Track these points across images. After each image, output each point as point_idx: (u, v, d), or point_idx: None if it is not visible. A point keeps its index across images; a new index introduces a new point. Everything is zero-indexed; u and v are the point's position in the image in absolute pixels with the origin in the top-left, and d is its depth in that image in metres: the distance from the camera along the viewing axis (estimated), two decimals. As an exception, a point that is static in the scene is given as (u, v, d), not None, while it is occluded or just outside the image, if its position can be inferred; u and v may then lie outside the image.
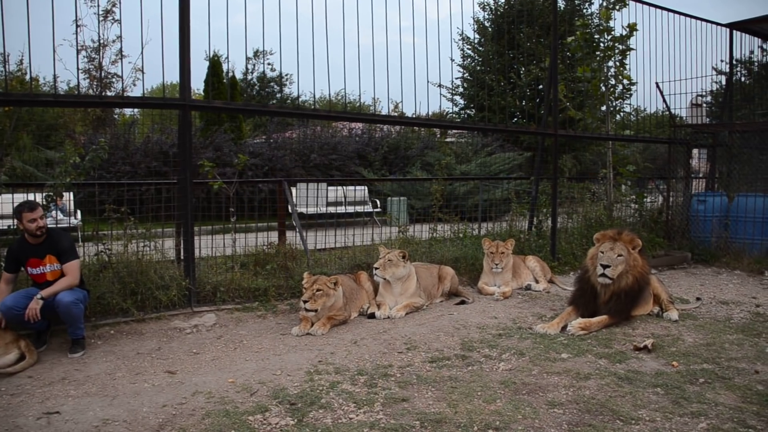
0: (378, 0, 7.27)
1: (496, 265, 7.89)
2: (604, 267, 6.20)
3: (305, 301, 6.14)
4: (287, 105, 8.19)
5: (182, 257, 6.95)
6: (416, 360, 5.29)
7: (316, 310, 6.18)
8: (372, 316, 6.76)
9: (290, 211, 9.19)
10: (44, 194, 6.46)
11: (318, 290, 6.18)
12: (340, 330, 6.29)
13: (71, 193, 9.37)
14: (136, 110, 21.91)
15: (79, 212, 10.68)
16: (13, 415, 4.28)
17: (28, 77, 17.21)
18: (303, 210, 9.52)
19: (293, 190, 9.03)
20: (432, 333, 6.15)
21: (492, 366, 5.13)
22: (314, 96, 17.03)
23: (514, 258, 8.27)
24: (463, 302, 7.45)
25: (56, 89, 7.29)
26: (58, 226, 7.61)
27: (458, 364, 5.20)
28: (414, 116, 8.42)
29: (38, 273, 5.66)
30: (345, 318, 6.52)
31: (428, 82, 8.57)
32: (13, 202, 6.02)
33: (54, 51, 6.01)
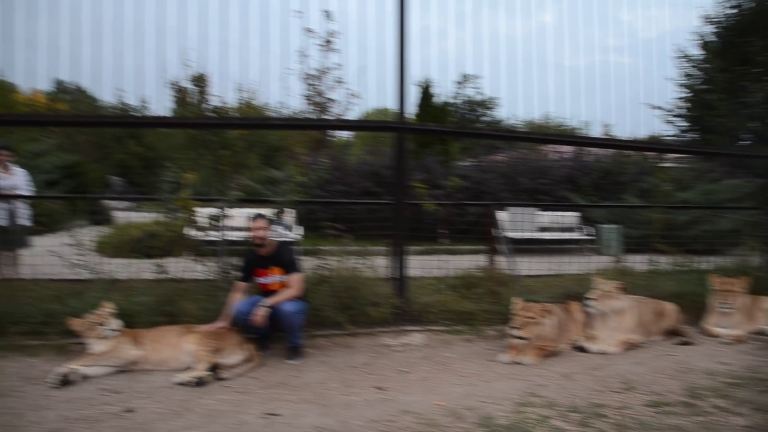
0: (587, 21, 6.96)
1: (726, 304, 7.14)
2: None
3: (516, 329, 5.98)
4: (501, 127, 8.14)
5: (393, 276, 7.12)
6: (634, 402, 4.90)
7: (525, 339, 6.00)
8: (583, 349, 6.41)
9: (499, 235, 9.08)
10: (271, 210, 6.95)
11: (529, 318, 6.00)
12: (549, 361, 6.04)
13: (293, 210, 10.00)
14: (349, 133, 23.15)
15: (301, 228, 11.40)
16: (240, 411, 4.61)
17: (257, 103, 18.94)
18: (512, 234, 9.39)
19: (503, 214, 8.92)
20: (651, 374, 5.68)
21: (725, 420, 4.60)
22: (518, 119, 16.89)
23: (746, 298, 7.44)
24: (685, 343, 6.81)
25: (280, 114, 7.88)
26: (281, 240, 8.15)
27: (683, 412, 4.72)
28: (627, 139, 7.92)
29: (265, 282, 6.09)
30: (555, 349, 6.25)
31: (641, 102, 8.06)
32: (245, 217, 6.55)
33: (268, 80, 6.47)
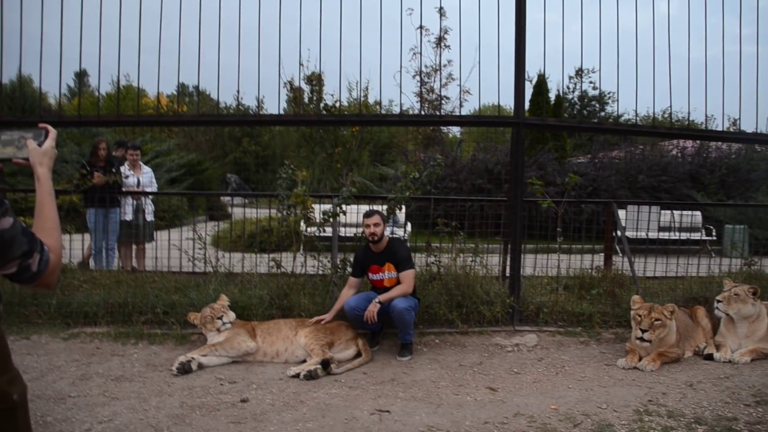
0: (713, 6, 6.51)
1: None
2: None
3: (644, 330, 5.67)
4: (622, 123, 7.74)
5: (507, 274, 6.96)
6: (769, 417, 4.54)
7: (650, 341, 5.69)
8: (710, 357, 6.01)
9: (618, 234, 8.70)
10: (385, 206, 6.96)
11: (656, 320, 5.69)
12: (671, 369, 5.70)
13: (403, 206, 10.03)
14: (458, 130, 22.94)
15: (409, 224, 11.40)
16: (351, 406, 4.64)
17: (371, 101, 19.13)
18: (631, 234, 8.97)
19: (622, 212, 8.53)
20: (788, 387, 5.26)
21: None
22: (636, 113, 16.06)
23: None
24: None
25: (401, 109, 7.89)
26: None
27: (826, 429, 4.34)
28: (755, 133, 7.33)
29: (377, 279, 6.11)
30: (678, 356, 5.90)
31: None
32: (358, 213, 6.60)
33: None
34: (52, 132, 2.12)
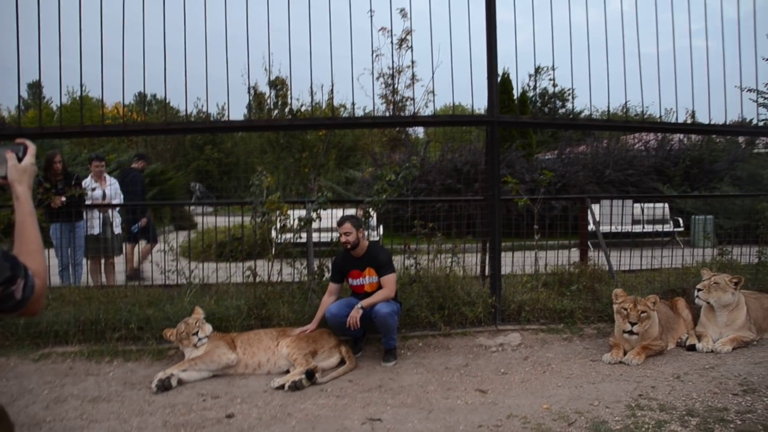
0: (664, 5, 6.58)
1: None
2: None
3: (633, 323, 5.65)
4: (596, 119, 7.76)
5: (488, 274, 6.91)
6: (758, 406, 4.53)
7: (638, 334, 5.69)
8: (692, 348, 6.03)
9: (592, 229, 8.71)
10: (362, 210, 6.86)
11: (642, 312, 5.68)
12: (656, 361, 5.70)
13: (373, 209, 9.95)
14: (422, 131, 22.95)
15: (381, 227, 11.31)
16: (341, 416, 4.52)
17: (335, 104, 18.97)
18: (606, 228, 9.00)
19: (595, 207, 8.55)
20: (772, 374, 5.29)
21: None
22: (596, 110, 16.24)
23: None
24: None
25: (369, 111, 7.79)
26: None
27: (816, 415, 4.36)
28: (719, 124, 7.42)
29: (358, 284, 5.99)
30: (662, 348, 5.90)
31: (733, 86, 7.58)
32: (332, 218, 6.47)
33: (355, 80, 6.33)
34: (31, 147, 1.97)
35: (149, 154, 26.39)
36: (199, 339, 5.65)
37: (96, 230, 8.45)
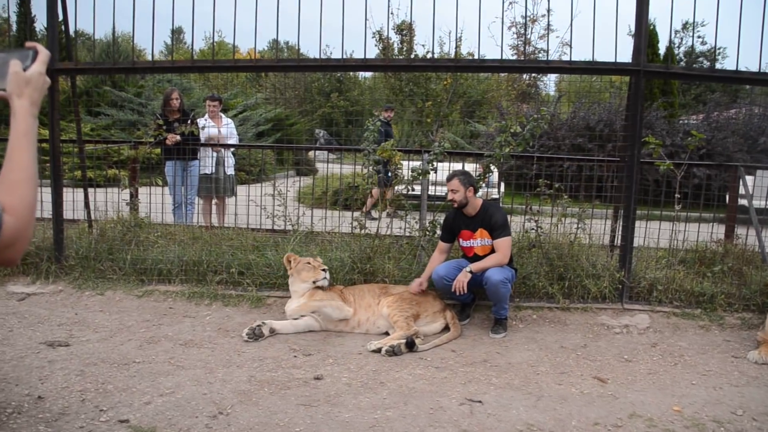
0: None
1: None
2: None
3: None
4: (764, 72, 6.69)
5: (618, 245, 6.15)
6: None
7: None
8: None
9: (743, 203, 7.64)
10: (482, 165, 6.28)
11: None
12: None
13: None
14: (554, 89, 21.66)
15: (503, 185, 10.64)
16: (437, 392, 4.07)
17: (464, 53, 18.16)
18: (761, 203, 7.84)
19: (750, 178, 7.46)
20: None
21: None
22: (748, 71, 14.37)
23: None
24: None
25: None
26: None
27: None
28: None
29: (468, 246, 5.46)
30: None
31: None
32: (449, 171, 5.93)
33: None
34: (43, 53, 1.55)
35: (276, 99, 26.76)
36: (325, 277, 5.36)
37: (208, 170, 8.34)
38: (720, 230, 7.41)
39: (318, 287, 5.33)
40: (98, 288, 6.08)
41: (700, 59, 29.57)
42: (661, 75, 7.45)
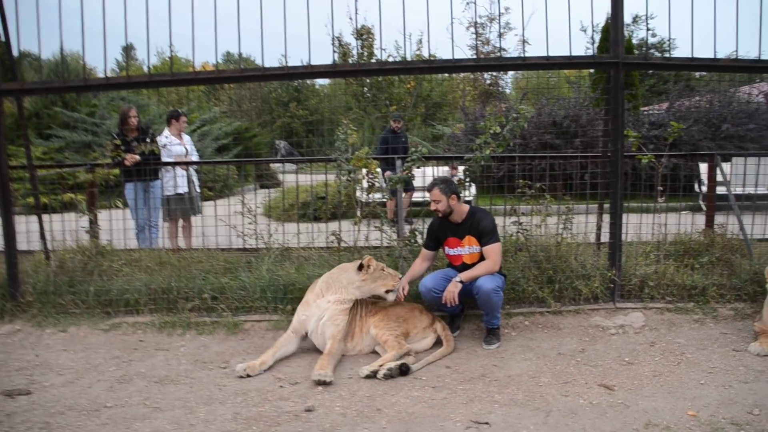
0: None
1: None
2: None
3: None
4: (742, 59, 6.59)
5: (606, 243, 5.93)
6: None
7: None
8: None
9: (723, 190, 7.51)
10: (453, 168, 6.04)
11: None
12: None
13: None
14: (510, 86, 21.62)
15: (473, 187, 10.41)
16: (440, 415, 3.79)
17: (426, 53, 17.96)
18: (739, 190, 7.70)
19: (726, 166, 7.35)
20: None
21: None
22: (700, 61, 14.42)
23: None
24: None
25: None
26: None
27: None
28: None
29: (455, 254, 5.18)
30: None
31: None
32: (424, 176, 5.69)
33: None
34: None
35: (234, 112, 26.30)
36: (394, 291, 5.08)
37: (181, 189, 7.88)
38: (699, 220, 7.26)
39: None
40: (60, 324, 5.66)
41: (652, 50, 29.94)
42: (640, 66, 7.27)
